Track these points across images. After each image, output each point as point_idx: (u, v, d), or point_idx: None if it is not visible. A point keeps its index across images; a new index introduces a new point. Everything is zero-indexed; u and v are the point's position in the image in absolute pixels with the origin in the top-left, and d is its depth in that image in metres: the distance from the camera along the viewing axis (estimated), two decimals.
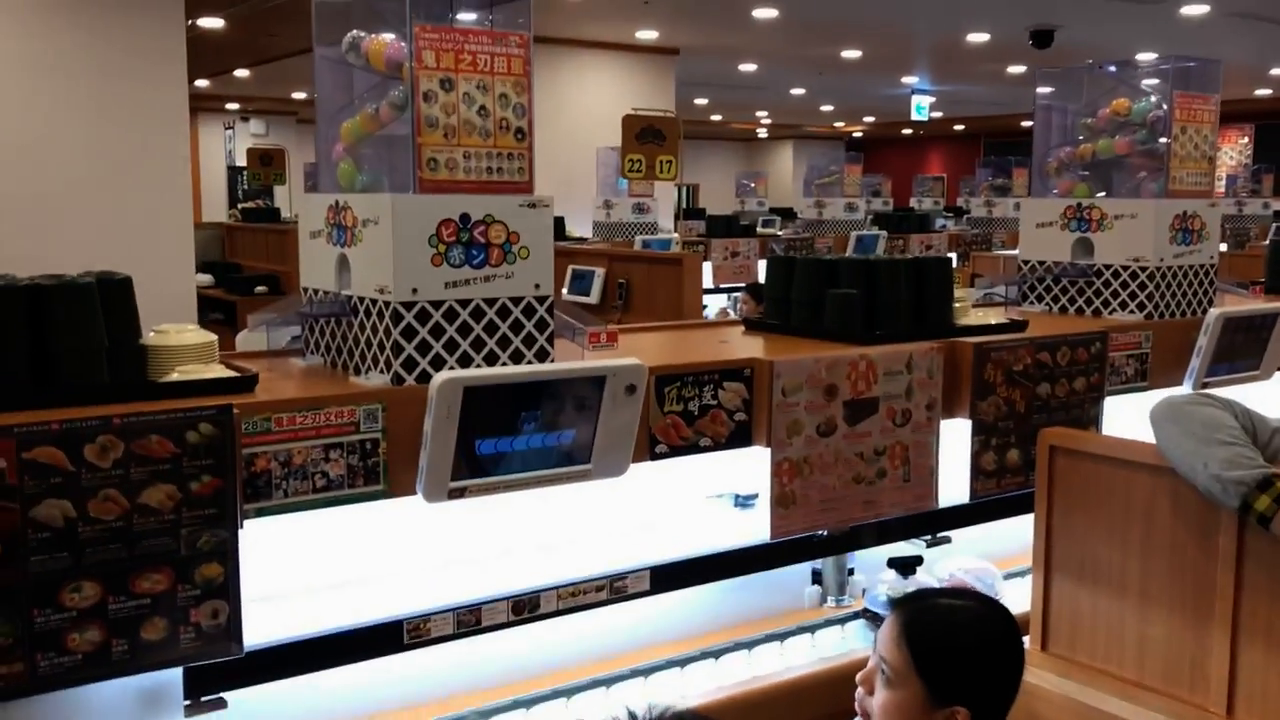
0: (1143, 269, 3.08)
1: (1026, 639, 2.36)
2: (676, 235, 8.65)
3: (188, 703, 1.73)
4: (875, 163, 18.84)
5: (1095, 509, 2.25)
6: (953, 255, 9.63)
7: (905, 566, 2.58)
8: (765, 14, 9.46)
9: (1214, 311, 2.95)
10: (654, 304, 6.12)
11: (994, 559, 2.76)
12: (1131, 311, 3.10)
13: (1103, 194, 3.25)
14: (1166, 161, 3.08)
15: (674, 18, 9.84)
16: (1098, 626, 2.27)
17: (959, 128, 21.87)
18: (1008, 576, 2.79)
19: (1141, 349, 2.95)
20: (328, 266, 2.12)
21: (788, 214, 13.88)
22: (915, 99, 14.57)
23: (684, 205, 14.67)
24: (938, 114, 17.73)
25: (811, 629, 2.52)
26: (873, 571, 2.67)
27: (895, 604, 1.86)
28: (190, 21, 7.66)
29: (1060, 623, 2.33)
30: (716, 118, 20.53)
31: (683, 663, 2.32)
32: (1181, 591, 2.11)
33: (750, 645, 2.41)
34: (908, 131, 22.68)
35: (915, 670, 1.77)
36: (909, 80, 14.24)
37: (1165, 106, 3.09)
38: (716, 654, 2.36)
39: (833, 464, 2.35)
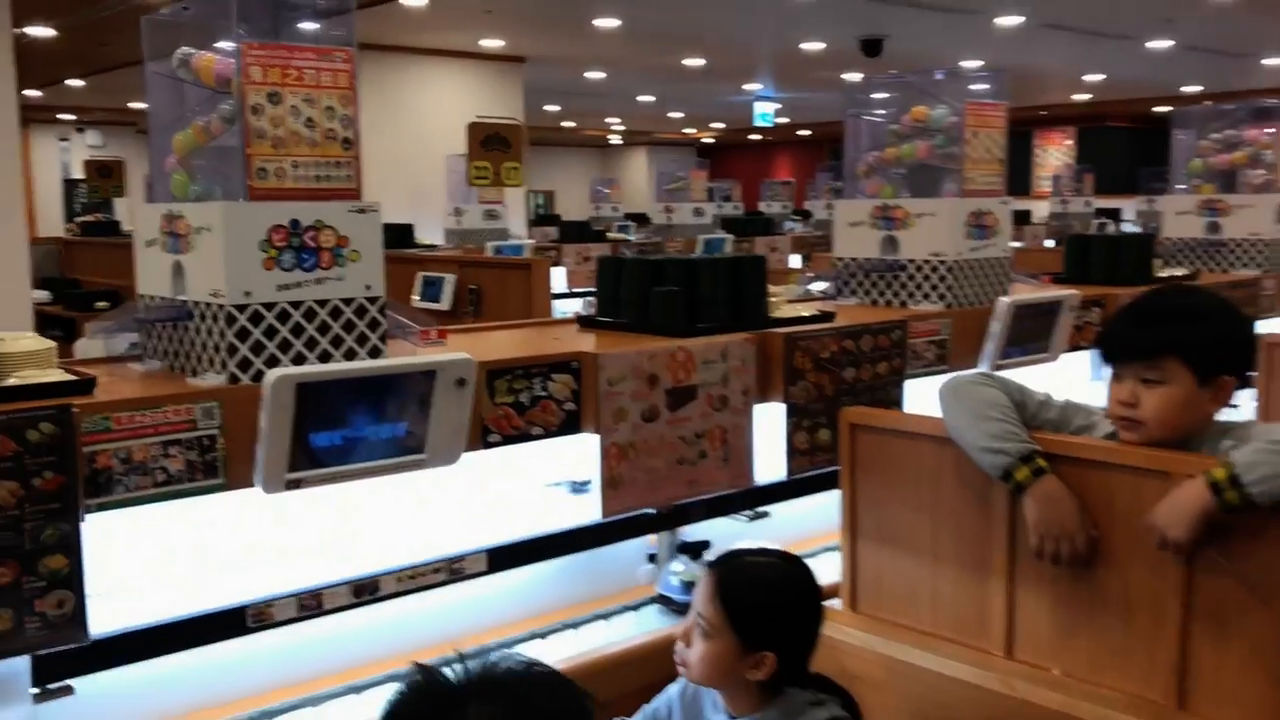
0: (942, 262, 3.36)
1: (837, 601, 2.59)
2: (529, 241, 8.79)
3: (35, 690, 1.80)
4: (725, 168, 19.30)
5: (892, 479, 2.48)
6: (797, 255, 10.01)
7: (694, 551, 2.77)
8: (607, 24, 9.68)
9: (1004, 299, 3.24)
10: (505, 309, 6.24)
11: (812, 533, 2.98)
12: (934, 301, 3.37)
13: (907, 195, 3.52)
14: (960, 164, 3.37)
15: (517, 26, 9.99)
16: (898, 585, 2.50)
17: (805, 133, 22.54)
18: (824, 551, 3.01)
19: (941, 335, 3.22)
20: (163, 273, 2.20)
21: (641, 219, 14.14)
22: (758, 106, 15.01)
23: (539, 212, 14.82)
24: (784, 120, 18.29)
25: (636, 607, 2.69)
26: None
27: (710, 565, 2.04)
28: (19, 30, 7.45)
29: (866, 584, 2.56)
30: (569, 125, 20.74)
31: (512, 644, 2.45)
32: (966, 549, 2.35)
33: (577, 625, 2.57)
34: (756, 137, 23.26)
35: (729, 622, 1.95)
36: (752, 87, 14.67)
37: (959, 114, 3.37)
38: (544, 634, 2.51)
39: (657, 447, 2.53)
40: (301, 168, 2.10)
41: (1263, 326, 4.29)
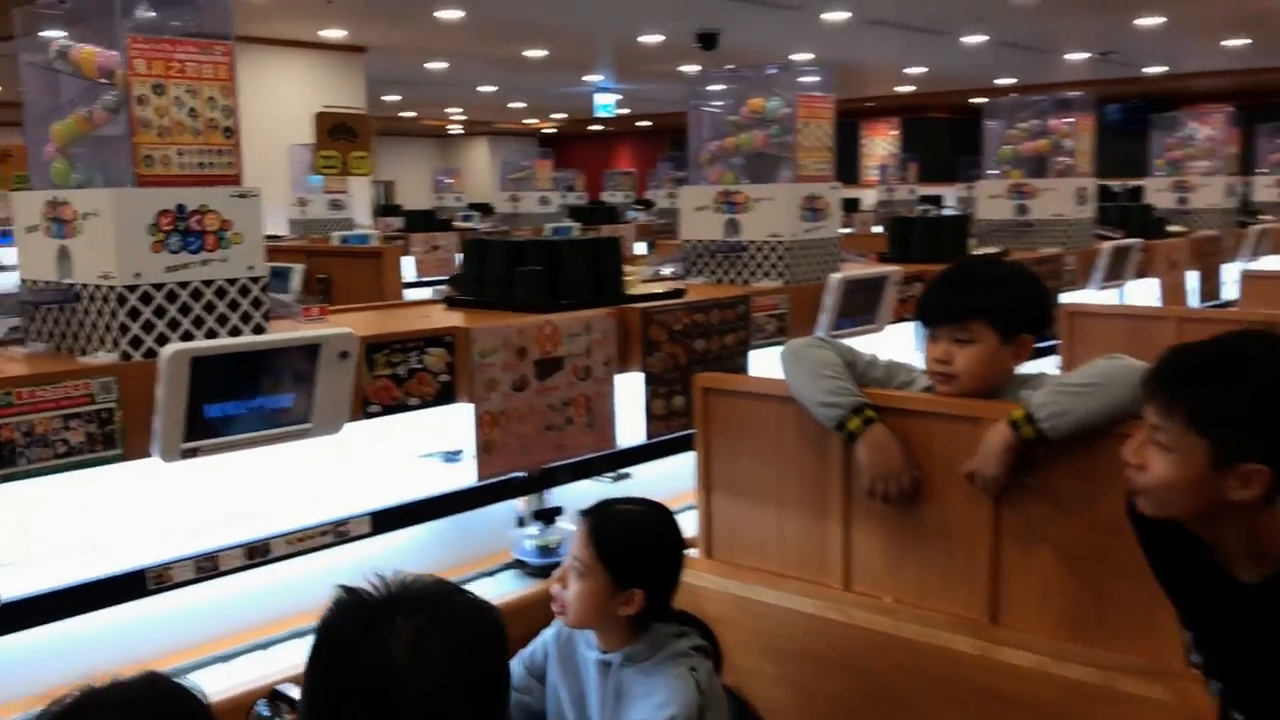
0: (780, 243, 3.64)
1: (695, 551, 2.83)
2: (375, 230, 8.81)
3: None
4: (568, 158, 19.48)
5: (741, 436, 2.74)
6: (642, 242, 10.30)
7: (548, 517, 2.93)
8: (449, 15, 9.76)
9: (835, 276, 3.55)
10: (355, 298, 6.28)
11: (670, 493, 3.21)
12: (773, 278, 3.66)
13: (747, 181, 3.79)
14: (794, 152, 3.66)
15: (359, 17, 9.97)
16: (748, 532, 2.76)
17: (645, 124, 22.90)
18: (682, 510, 3.25)
19: (780, 309, 3.51)
20: (47, 258, 2.28)
21: (485, 209, 14.22)
22: (599, 97, 15.25)
23: (380, 202, 14.72)
24: (624, 111, 18.58)
25: (493, 573, 2.86)
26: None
27: (583, 513, 2.25)
28: None
29: (720, 533, 2.81)
30: (409, 114, 20.58)
31: None
32: (807, 496, 2.62)
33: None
34: (597, 128, 23.52)
35: (601, 563, 2.16)
36: (593, 79, 14.91)
37: (792, 106, 3.66)
38: None
39: (527, 414, 2.72)
40: (186, 155, 2.21)
41: (1065, 298, 4.76)
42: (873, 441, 2.36)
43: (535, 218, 10.67)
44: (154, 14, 2.18)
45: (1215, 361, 1.71)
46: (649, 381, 3.01)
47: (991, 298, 2.34)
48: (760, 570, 2.72)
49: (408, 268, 7.28)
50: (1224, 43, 11.15)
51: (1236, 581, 1.78)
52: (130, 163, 2.14)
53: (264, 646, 2.42)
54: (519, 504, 3.05)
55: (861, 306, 3.68)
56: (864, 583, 2.56)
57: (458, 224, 11.31)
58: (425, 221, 9.62)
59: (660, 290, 3.29)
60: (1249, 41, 11.05)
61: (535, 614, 2.35)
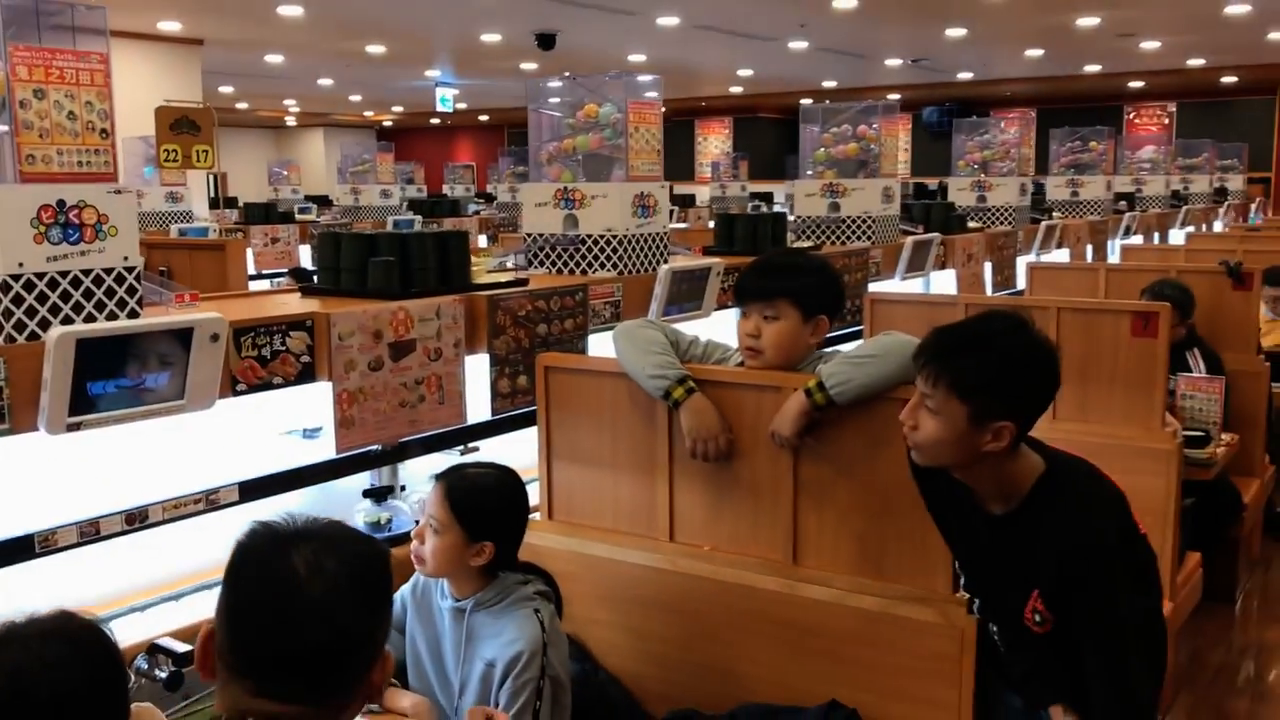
0: (615, 237, 3.98)
1: (537, 514, 3.13)
2: (214, 223, 8.78)
3: None
4: (407, 151, 19.43)
5: (579, 409, 3.05)
6: (484, 235, 10.51)
7: (379, 495, 3.13)
8: (290, 11, 9.77)
9: (664, 267, 3.91)
10: (200, 290, 6.36)
11: (515, 465, 3.51)
12: (609, 269, 3.99)
13: (584, 179, 4.11)
14: (626, 154, 4.00)
15: (196, 10, 9.88)
16: (586, 495, 3.07)
17: (484, 118, 22.98)
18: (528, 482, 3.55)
19: (615, 297, 3.85)
20: None
21: (324, 201, 14.14)
22: (439, 91, 15.34)
23: (211, 194, 14.48)
24: (463, 105, 18.67)
25: None
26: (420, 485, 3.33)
27: (438, 476, 2.52)
28: None
29: (560, 496, 3.12)
30: (242, 105, 20.19)
31: None
32: (637, 460, 2.95)
33: None
34: (436, 121, 23.48)
35: (456, 519, 2.44)
36: (433, 74, 14.99)
37: (623, 111, 4.00)
38: None
39: (383, 392, 2.98)
40: (65, 155, 2.40)
41: (872, 287, 5.25)
42: (693, 409, 2.71)
43: (376, 210, 10.75)
44: (35, 26, 2.36)
45: (969, 339, 2.14)
46: (494, 362, 3.30)
47: (796, 281, 2.73)
48: (596, 528, 3.03)
49: (248, 261, 7.29)
50: (1025, 53, 12.03)
51: (989, 514, 2.20)
52: (14, 161, 2.32)
53: (142, 609, 2.62)
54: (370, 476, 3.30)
55: (689, 295, 4.05)
56: (686, 534, 2.90)
57: (300, 216, 11.30)
58: (265, 214, 9.61)
59: (505, 279, 3.58)
60: (1043, 52, 11.96)
61: (395, 573, 2.61)
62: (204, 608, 2.63)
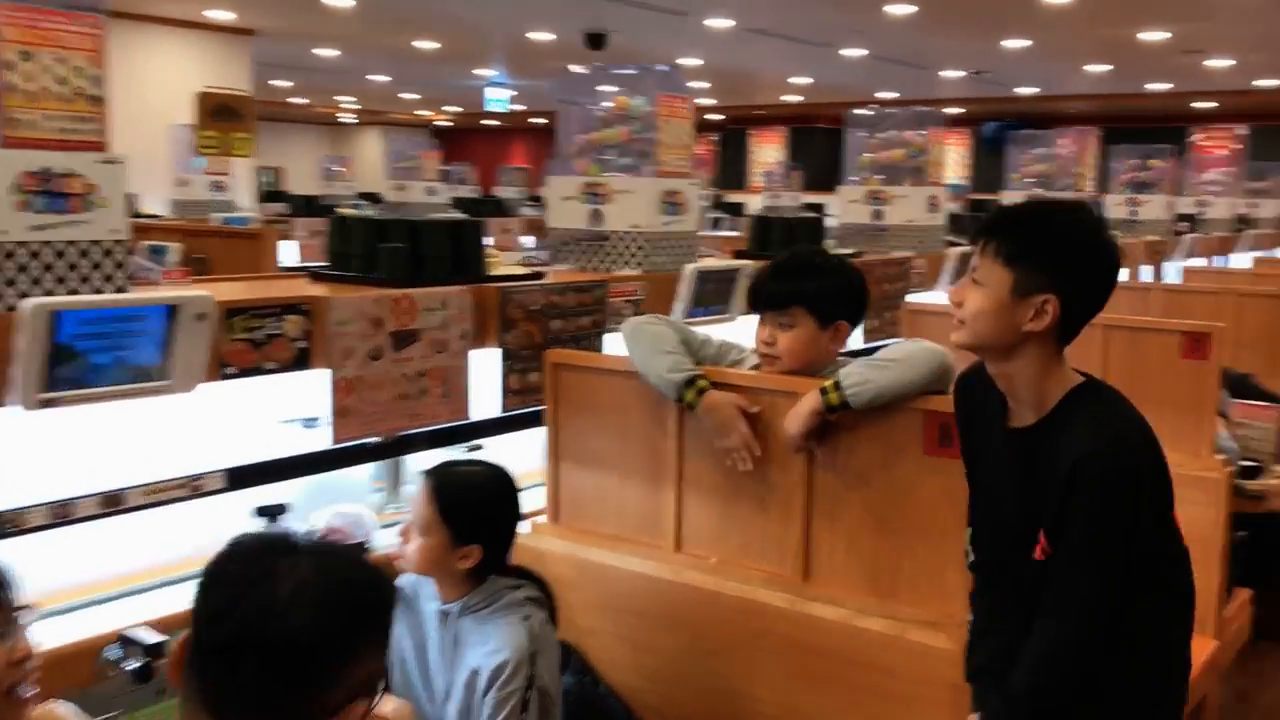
0: (640, 233, 3.84)
1: (543, 517, 3.01)
2: (256, 214, 8.77)
3: None
4: (462, 151, 19.47)
5: (588, 409, 2.93)
6: (530, 237, 10.42)
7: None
8: (338, 2, 9.76)
9: (690, 266, 3.76)
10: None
11: (521, 467, 3.38)
12: (633, 267, 3.85)
13: (611, 174, 3.98)
14: (655, 148, 3.86)
15: None
16: (592, 499, 2.94)
17: (539, 121, 22.99)
18: (530, 487, 3.42)
19: (637, 296, 3.70)
20: None
21: (374, 198, 14.15)
22: (490, 91, 15.33)
23: (268, 188, 14.57)
24: (519, 107, 18.68)
25: None
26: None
27: (426, 473, 2.40)
28: None
29: (566, 500, 2.99)
30: (299, 101, 20.34)
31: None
32: (646, 465, 2.82)
33: None
34: (492, 123, 23.52)
35: (442, 519, 2.32)
36: (485, 73, 14.97)
37: (652, 104, 3.86)
38: None
39: (382, 382, 2.86)
40: (53, 120, 2.31)
41: (913, 298, 5.06)
42: (709, 405, 2.58)
43: (419, 208, 10.67)
44: None
45: (1026, 212, 2.08)
46: (505, 357, 3.18)
47: (809, 286, 2.59)
48: (601, 534, 2.91)
49: (291, 252, 7.30)
50: (1087, 67, 11.77)
51: (1016, 430, 2.03)
52: None
53: (115, 598, 2.52)
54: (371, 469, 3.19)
55: (715, 297, 3.90)
56: (692, 544, 2.77)
57: (344, 210, 11.27)
58: (310, 207, 9.61)
59: (520, 272, 3.45)
60: (1110, 68, 11.69)
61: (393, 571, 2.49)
62: (181, 598, 2.52)
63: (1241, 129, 11.39)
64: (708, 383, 2.60)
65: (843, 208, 5.75)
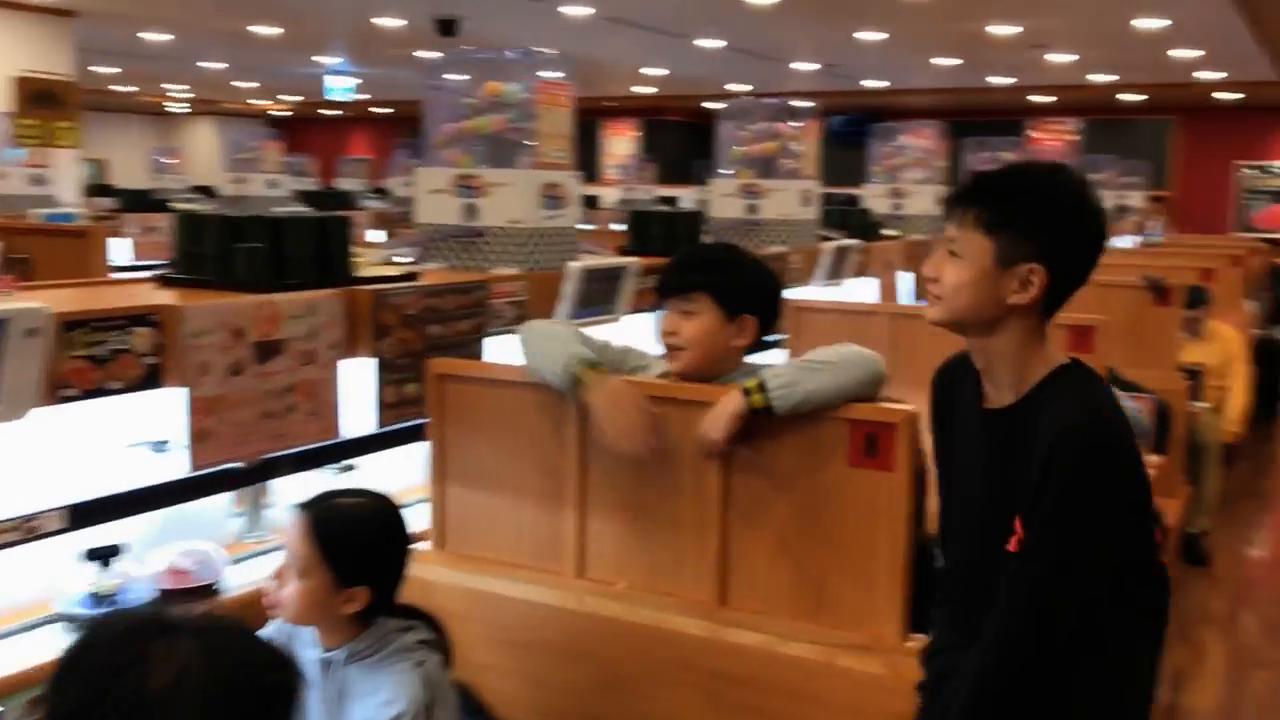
0: (519, 229, 3.60)
1: (428, 543, 2.74)
2: (82, 210, 8.15)
3: None
4: (301, 143, 18.76)
5: (476, 423, 2.67)
6: (379, 231, 10.02)
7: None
8: None
9: (574, 264, 3.54)
10: (59, 279, 5.82)
11: (399, 486, 3.11)
12: (512, 266, 3.60)
13: (485, 166, 3.72)
14: (534, 138, 3.62)
15: None
16: (483, 522, 2.69)
17: (383, 110, 22.35)
18: (412, 504, 3.14)
19: (519, 296, 3.46)
20: None
21: (209, 192, 13.51)
22: (330, 80, 14.77)
23: (92, 181, 13.72)
24: (362, 96, 18.05)
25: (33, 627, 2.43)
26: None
27: (301, 506, 2.12)
28: None
29: (453, 523, 2.73)
30: (125, 89, 19.20)
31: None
32: (543, 483, 2.59)
33: None
34: (333, 113, 22.74)
35: (323, 559, 2.05)
36: (326, 60, 14.38)
37: (530, 91, 3.62)
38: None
39: (244, 401, 2.56)
40: None
41: (790, 294, 4.95)
42: (607, 391, 2.35)
43: (262, 202, 10.19)
44: None
45: (1003, 175, 1.88)
46: (380, 368, 2.90)
47: (716, 274, 2.46)
48: (494, 561, 2.67)
49: (123, 251, 6.84)
50: (937, 61, 11.98)
51: (992, 411, 1.87)
52: None
53: None
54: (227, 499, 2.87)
55: (600, 296, 3.69)
56: (597, 569, 2.55)
57: (179, 205, 10.65)
58: (142, 202, 9.01)
59: (393, 273, 3.17)
60: (960, 62, 11.92)
61: (258, 611, 2.21)
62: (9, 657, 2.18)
63: (1077, 123, 11.80)
64: (606, 370, 2.39)
65: (715, 202, 5.60)
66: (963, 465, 1.96)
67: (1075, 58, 11.29)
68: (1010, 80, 13.51)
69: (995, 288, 1.79)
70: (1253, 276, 9.93)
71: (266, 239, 2.86)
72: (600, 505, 2.53)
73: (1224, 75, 12.01)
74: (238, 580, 2.64)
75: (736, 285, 2.46)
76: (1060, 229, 1.79)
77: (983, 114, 14.89)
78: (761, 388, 2.22)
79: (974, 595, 1.90)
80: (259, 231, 2.88)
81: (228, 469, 2.61)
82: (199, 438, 2.45)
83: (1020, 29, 9.25)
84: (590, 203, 13.42)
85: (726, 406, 2.26)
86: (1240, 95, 13.46)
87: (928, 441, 2.16)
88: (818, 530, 2.30)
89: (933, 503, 2.16)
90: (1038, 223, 1.78)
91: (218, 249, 2.88)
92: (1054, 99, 14.58)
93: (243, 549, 2.84)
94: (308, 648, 2.17)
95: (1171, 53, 10.58)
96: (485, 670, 2.56)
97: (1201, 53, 10.45)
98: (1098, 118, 13.68)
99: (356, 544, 2.09)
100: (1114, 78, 12.96)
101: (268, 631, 2.22)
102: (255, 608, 2.16)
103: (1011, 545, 1.78)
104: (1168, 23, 8.73)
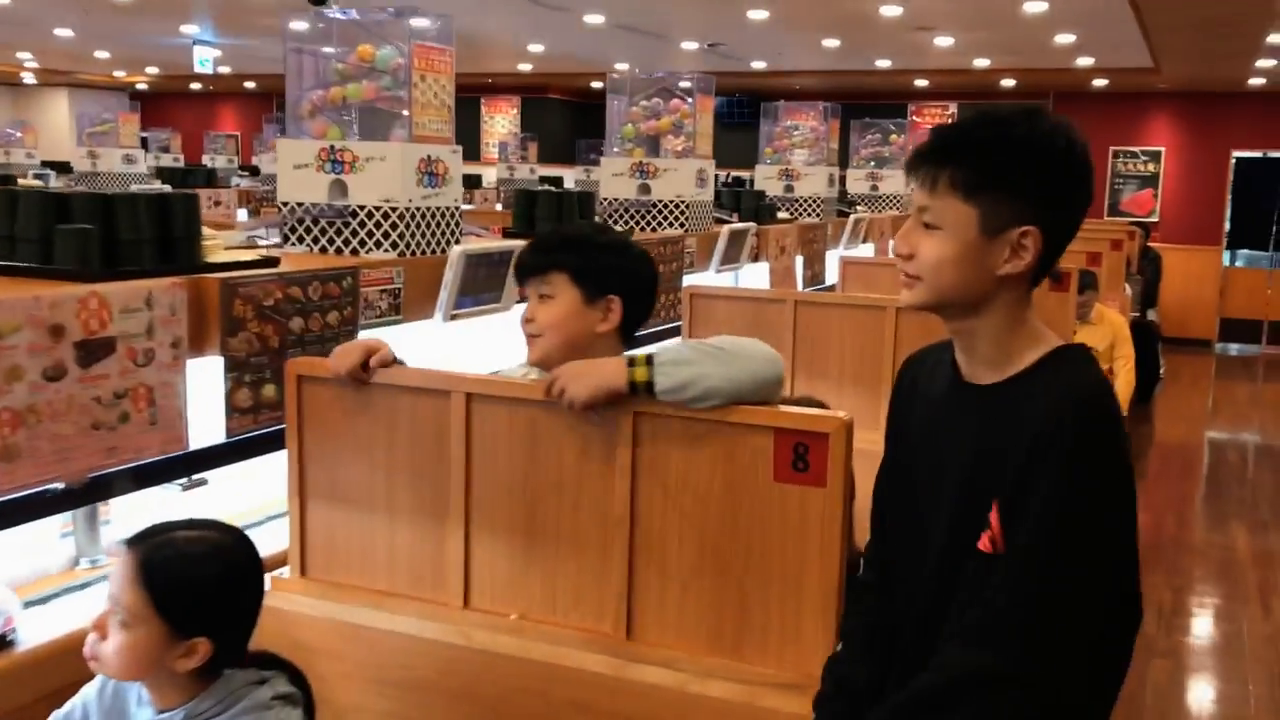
0: (394, 209, 3.24)
1: (286, 569, 2.39)
2: None
3: None
4: (165, 118, 17.84)
5: (343, 433, 2.33)
6: (244, 210, 9.45)
7: None
8: None
9: (457, 249, 3.20)
10: None
11: (256, 501, 2.75)
12: (386, 250, 3.25)
13: (355, 137, 3.35)
14: (410, 108, 3.26)
15: None
16: (352, 546, 2.36)
17: (250, 85, 21.42)
18: (270, 520, 2.79)
19: (394, 284, 3.11)
20: None
21: (64, 168, 12.68)
22: (198, 51, 13.99)
23: None
24: (227, 69, 17.20)
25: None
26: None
27: (129, 541, 1.77)
28: None
29: (316, 547, 2.39)
30: None
31: None
32: (423, 502, 2.27)
33: None
34: (197, 87, 21.71)
35: (154, 609, 1.70)
36: (190, 29, 13.60)
37: (406, 55, 3.25)
38: None
39: (66, 411, 2.17)
40: None
41: (687, 280, 4.69)
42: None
43: (119, 178, 9.52)
44: None
45: (974, 126, 1.59)
46: (230, 368, 2.53)
47: (572, 252, 2.23)
48: (366, 590, 2.34)
49: None
50: (822, 42, 11.85)
51: (969, 385, 1.63)
52: None
53: None
54: (65, 519, 2.48)
55: (486, 284, 3.36)
56: (486, 599, 2.25)
57: (26, 181, 9.90)
58: None
59: (247, 258, 2.79)
60: (839, 43, 11.81)
61: (73, 665, 1.85)
62: None
63: (952, 106, 11.85)
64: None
65: (606, 182, 5.30)
66: (922, 446, 1.70)
67: (956, 41, 11.28)
68: (894, 64, 13.49)
69: (983, 259, 1.55)
70: (1130, 260, 10.09)
71: (96, 220, 2.46)
72: (489, 526, 2.22)
73: (1098, 61, 12.16)
74: (50, 623, 2.24)
75: (594, 264, 2.22)
76: (1052, 182, 1.54)
77: (869, 97, 14.90)
78: (648, 360, 1.95)
79: (912, 604, 1.68)
80: (87, 211, 2.48)
81: (47, 490, 2.21)
82: (7, 456, 2.06)
83: (902, 10, 9.14)
84: (472, 182, 13.00)
85: (603, 371, 1.98)
86: (1106, 81, 13.71)
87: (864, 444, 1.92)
88: (738, 554, 2.04)
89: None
90: (1025, 178, 1.53)
91: (38, 231, 2.47)
92: (932, 83, 14.67)
93: (71, 578, 2.45)
94: (140, 707, 1.83)
95: (1055, 38, 10.63)
96: (354, 714, 2.25)
97: (1080, 37, 10.52)
98: (974, 100, 13.77)
99: (194, 589, 1.75)
100: (994, 62, 13.04)
101: (91, 688, 1.87)
102: (69, 662, 1.80)
103: (983, 543, 1.52)
104: (1046, 6, 8.71)
